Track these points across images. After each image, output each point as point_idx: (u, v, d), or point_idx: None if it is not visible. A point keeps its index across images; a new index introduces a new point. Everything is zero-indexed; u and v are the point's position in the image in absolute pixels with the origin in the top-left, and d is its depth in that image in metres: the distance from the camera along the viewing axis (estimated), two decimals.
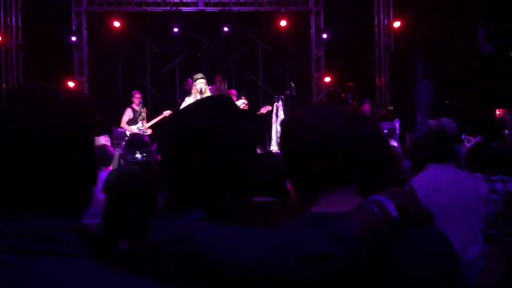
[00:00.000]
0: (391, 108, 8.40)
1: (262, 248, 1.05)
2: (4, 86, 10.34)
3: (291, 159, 1.26)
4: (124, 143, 7.16)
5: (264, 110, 8.96)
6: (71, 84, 10.90)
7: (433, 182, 2.92)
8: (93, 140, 0.93)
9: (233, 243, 1.08)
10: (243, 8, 11.21)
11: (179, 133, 1.23)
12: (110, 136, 9.01)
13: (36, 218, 0.82)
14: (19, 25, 10.42)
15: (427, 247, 1.16)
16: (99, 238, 0.81)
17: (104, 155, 4.30)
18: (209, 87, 9.56)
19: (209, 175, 1.19)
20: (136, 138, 4.94)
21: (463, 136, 5.55)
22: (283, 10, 11.28)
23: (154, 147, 5.77)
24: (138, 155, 3.67)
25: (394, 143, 5.42)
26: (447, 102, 8.29)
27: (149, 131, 8.94)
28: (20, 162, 0.81)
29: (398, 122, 7.32)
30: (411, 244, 1.14)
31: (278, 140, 8.52)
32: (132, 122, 8.97)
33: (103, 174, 4.03)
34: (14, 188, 0.83)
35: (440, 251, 1.17)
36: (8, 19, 10.30)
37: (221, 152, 1.20)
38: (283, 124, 1.32)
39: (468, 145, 5.30)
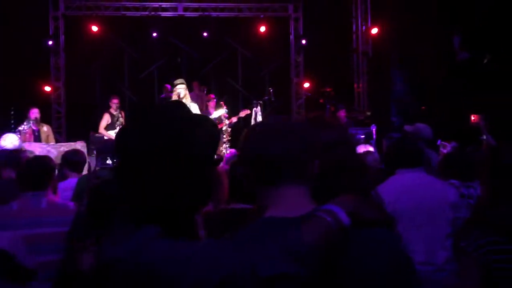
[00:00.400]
0: (368, 113, 8.47)
1: (221, 268, 1.05)
2: None
3: (245, 166, 1.30)
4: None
5: (242, 114, 8.97)
6: (47, 88, 10.75)
7: (400, 186, 2.93)
8: None
9: (190, 262, 1.06)
10: (223, 14, 11.23)
11: (136, 148, 1.19)
12: (87, 142, 8.90)
13: None
14: None
15: (373, 247, 1.17)
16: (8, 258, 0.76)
17: (76, 160, 4.21)
18: (190, 93, 9.55)
19: (165, 190, 1.17)
20: (107, 144, 4.90)
21: (438, 142, 5.61)
22: (262, 16, 11.32)
23: None
24: (109, 161, 3.63)
25: (371, 148, 5.45)
26: (423, 107, 8.40)
27: None
28: None
29: (375, 127, 7.38)
30: (360, 246, 1.16)
31: None
32: (110, 127, 8.87)
33: (73, 180, 3.96)
34: None
35: (387, 250, 1.18)
36: None
37: (179, 165, 1.18)
38: (247, 134, 1.34)
39: (444, 150, 5.36)
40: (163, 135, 1.18)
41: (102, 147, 8.04)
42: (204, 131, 1.26)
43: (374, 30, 10.75)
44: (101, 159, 3.68)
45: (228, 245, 1.12)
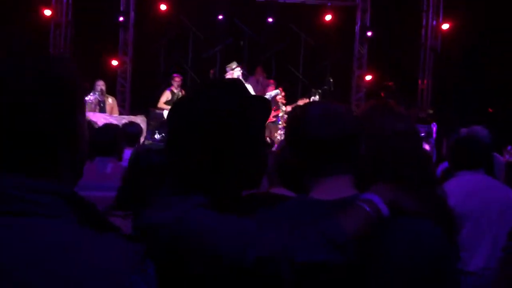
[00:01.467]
0: (430, 111, 8.20)
1: (258, 247, 1.07)
2: None
3: (294, 149, 1.31)
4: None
5: (301, 102, 8.91)
6: (114, 62, 11.14)
7: (465, 189, 2.89)
8: (83, 106, 0.91)
9: (228, 235, 1.09)
10: (289, 0, 11.16)
11: (194, 118, 1.20)
12: (147, 117, 9.18)
13: (13, 178, 0.79)
14: (70, 1, 10.69)
15: (413, 235, 1.17)
16: (90, 206, 0.80)
17: (130, 132, 4.31)
18: (250, 77, 9.62)
19: (219, 163, 1.19)
20: (157, 118, 5.03)
21: (509, 148, 5.36)
22: (329, 4, 11.16)
23: None
24: (157, 136, 3.73)
25: (427, 147, 5.29)
26: (490, 110, 8.03)
27: None
28: (8, 126, 0.80)
29: (436, 126, 7.14)
30: (397, 235, 1.16)
31: None
32: (169, 104, 9.10)
33: (128, 152, 4.10)
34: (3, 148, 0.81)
35: (424, 242, 1.17)
36: None
37: (236, 139, 1.20)
38: (288, 116, 1.35)
39: (509, 157, 5.13)
40: (220, 110, 1.19)
41: (158, 123, 8.26)
42: (261, 111, 1.27)
43: (445, 26, 10.34)
44: (150, 132, 3.78)
45: (268, 224, 1.14)
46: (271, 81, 9.65)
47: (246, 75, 8.57)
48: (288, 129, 1.37)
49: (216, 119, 1.19)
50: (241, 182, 1.26)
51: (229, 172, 1.21)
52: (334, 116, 1.24)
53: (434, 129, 7.12)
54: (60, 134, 0.85)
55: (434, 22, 10.62)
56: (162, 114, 9.04)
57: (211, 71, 10.51)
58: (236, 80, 1.36)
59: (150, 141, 3.49)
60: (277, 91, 7.99)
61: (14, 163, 0.81)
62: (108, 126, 3.29)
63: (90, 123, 4.78)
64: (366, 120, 1.42)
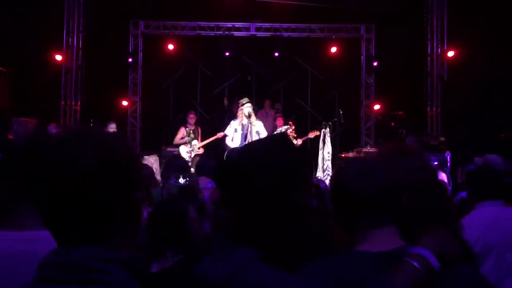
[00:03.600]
0: (442, 139, 8.17)
1: None
2: (62, 103, 10.83)
3: (339, 205, 1.34)
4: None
5: (311, 135, 8.96)
6: (125, 103, 11.31)
7: (487, 221, 2.86)
8: (139, 180, 0.98)
9: None
10: (294, 34, 11.35)
11: (257, 175, 1.20)
12: (160, 156, 9.24)
13: (85, 250, 0.87)
14: (80, 46, 10.94)
15: (462, 285, 1.18)
16: (151, 274, 0.86)
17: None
18: (259, 111, 9.72)
19: (276, 218, 1.20)
20: (177, 161, 5.04)
21: None
22: (333, 36, 11.32)
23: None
24: (181, 180, 3.74)
25: (443, 176, 5.25)
26: (503, 135, 7.99)
27: (201, 151, 9.12)
28: (77, 202, 0.87)
29: (450, 155, 7.11)
30: (451, 283, 1.17)
31: (324, 167, 8.45)
32: (183, 141, 9.18)
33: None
34: (72, 224, 0.89)
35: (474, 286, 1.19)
36: (70, 40, 10.84)
37: (296, 194, 1.22)
38: (335, 174, 1.39)
39: None
40: (283, 167, 1.21)
41: (171, 162, 8.27)
42: (307, 162, 1.29)
43: (450, 53, 10.41)
44: (174, 177, 3.78)
45: (322, 280, 1.14)
46: (279, 115, 9.74)
47: (256, 109, 8.64)
48: (331, 186, 1.40)
49: (281, 175, 1.19)
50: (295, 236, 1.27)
51: (287, 225, 1.22)
52: (371, 171, 1.27)
53: (448, 157, 7.09)
54: (121, 204, 0.92)
55: (439, 50, 10.70)
56: (173, 152, 9.10)
57: (225, 99, 10.61)
58: (284, 135, 1.38)
59: (176, 185, 3.49)
60: (287, 126, 8.04)
61: (81, 234, 0.89)
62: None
63: None
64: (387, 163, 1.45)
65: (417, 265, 1.13)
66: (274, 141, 1.29)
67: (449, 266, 1.17)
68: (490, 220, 2.88)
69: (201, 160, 4.91)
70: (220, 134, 9.14)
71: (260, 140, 1.35)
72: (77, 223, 0.88)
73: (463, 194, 3.69)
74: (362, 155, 8.22)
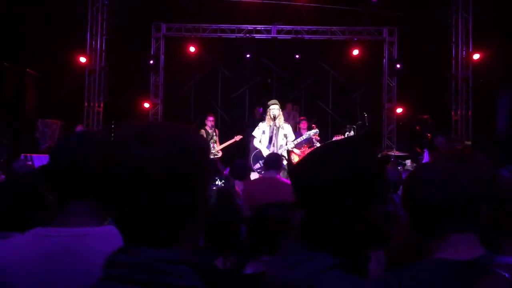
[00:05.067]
0: (468, 143, 8.06)
1: None
2: (86, 105, 10.94)
3: (415, 211, 1.30)
4: None
5: (336, 138, 8.89)
6: (146, 105, 11.37)
7: None
8: (208, 182, 0.98)
9: None
10: (315, 37, 11.31)
11: (335, 176, 1.18)
12: None
13: (154, 251, 0.87)
14: (103, 48, 11.04)
15: None
16: (218, 273, 0.87)
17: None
18: (282, 112, 9.68)
19: (353, 227, 1.18)
20: (212, 164, 5.05)
21: None
22: (355, 39, 11.26)
23: (226, 171, 5.87)
24: (218, 182, 3.75)
25: None
26: None
27: (220, 154, 9.12)
28: (148, 205, 0.87)
29: None
30: None
31: None
32: None
33: None
34: (141, 225, 0.88)
35: None
36: (94, 42, 10.94)
37: (370, 196, 1.20)
38: (408, 180, 1.35)
39: None
40: (362, 168, 1.20)
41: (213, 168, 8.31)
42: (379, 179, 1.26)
43: (476, 56, 10.27)
44: (211, 179, 3.79)
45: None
46: (302, 118, 9.69)
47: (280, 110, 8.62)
48: (405, 193, 1.35)
49: (359, 176, 1.18)
50: (372, 241, 1.25)
51: (365, 232, 1.20)
52: (451, 176, 1.23)
53: None
54: (195, 207, 0.91)
55: (464, 53, 10.57)
56: None
57: (258, 109, 10.51)
58: (359, 138, 1.37)
59: (213, 188, 3.50)
60: (315, 130, 7.99)
61: (153, 236, 0.88)
62: None
63: None
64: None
65: (508, 276, 1.08)
66: (357, 146, 1.26)
67: None
68: None
69: (238, 164, 4.89)
70: (237, 137, 9.12)
71: (340, 145, 1.32)
72: (151, 225, 0.88)
73: None
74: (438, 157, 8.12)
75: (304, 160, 1.28)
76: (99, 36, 10.96)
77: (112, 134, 1.03)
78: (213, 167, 4.40)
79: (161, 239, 0.88)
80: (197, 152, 0.92)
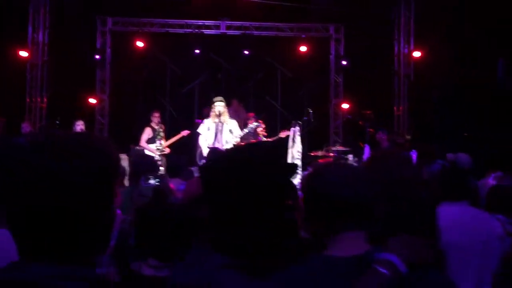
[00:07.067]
0: (408, 137, 8.35)
1: None
2: (28, 100, 10.56)
3: (312, 207, 1.36)
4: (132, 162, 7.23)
5: (283, 134, 8.97)
6: (92, 100, 11.11)
7: (447, 221, 2.88)
8: (114, 192, 0.94)
9: None
10: (264, 33, 11.38)
11: (246, 186, 1.21)
12: (129, 155, 9.11)
13: (47, 267, 0.83)
14: (46, 41, 10.67)
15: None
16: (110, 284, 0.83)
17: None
18: (228, 109, 9.67)
19: (263, 229, 1.21)
20: (146, 162, 5.00)
21: (496, 174, 5.41)
22: (303, 36, 11.40)
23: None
24: (151, 181, 3.72)
25: None
26: (465, 134, 8.23)
27: (167, 150, 9.03)
28: (44, 214, 0.84)
29: (416, 153, 7.26)
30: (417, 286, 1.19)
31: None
32: (150, 141, 9.08)
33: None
34: (36, 237, 0.85)
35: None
36: (35, 35, 10.57)
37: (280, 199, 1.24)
38: (306, 178, 1.41)
39: (491, 181, 5.20)
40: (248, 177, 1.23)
41: (141, 162, 8.18)
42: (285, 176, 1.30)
43: (417, 54, 10.64)
44: (144, 178, 3.75)
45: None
46: (251, 114, 9.73)
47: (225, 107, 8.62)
48: (306, 189, 1.40)
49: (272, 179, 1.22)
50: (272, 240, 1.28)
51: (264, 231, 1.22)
52: (354, 178, 1.30)
53: (414, 156, 7.22)
54: (98, 215, 0.89)
55: (406, 50, 10.92)
56: (142, 152, 8.99)
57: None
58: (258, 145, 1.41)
59: (147, 187, 3.46)
60: (257, 123, 8.05)
61: (49, 249, 0.85)
62: None
63: None
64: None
65: (385, 272, 1.15)
66: (270, 147, 1.32)
67: (416, 269, 1.20)
68: (452, 220, 2.87)
69: (173, 161, 4.87)
70: (184, 132, 9.08)
71: (256, 146, 1.38)
72: (48, 236, 0.84)
73: None
74: (331, 154, 8.33)
75: (216, 160, 1.33)
76: (41, 29, 10.58)
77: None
78: (149, 165, 4.36)
79: (58, 252, 0.85)
80: (99, 162, 0.91)
